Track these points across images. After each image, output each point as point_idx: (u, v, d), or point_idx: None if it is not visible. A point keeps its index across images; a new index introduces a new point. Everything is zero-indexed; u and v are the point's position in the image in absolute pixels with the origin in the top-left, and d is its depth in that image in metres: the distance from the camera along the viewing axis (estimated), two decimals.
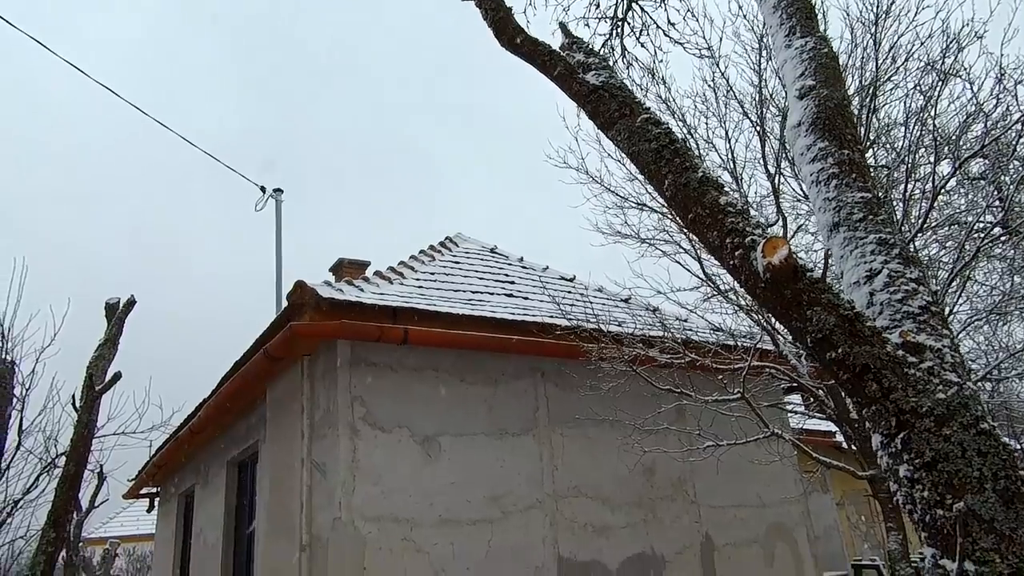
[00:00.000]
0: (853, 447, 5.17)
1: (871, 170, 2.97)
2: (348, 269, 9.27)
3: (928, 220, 5.21)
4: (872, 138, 5.54)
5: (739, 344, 5.67)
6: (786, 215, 5.91)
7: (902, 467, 1.89)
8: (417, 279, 7.32)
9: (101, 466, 8.73)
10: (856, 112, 5.28)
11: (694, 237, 6.16)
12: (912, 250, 5.27)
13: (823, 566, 8.00)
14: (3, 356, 6.29)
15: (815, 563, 7.52)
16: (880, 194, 4.90)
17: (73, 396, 6.48)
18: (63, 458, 6.40)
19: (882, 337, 1.98)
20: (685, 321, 7.39)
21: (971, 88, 5.21)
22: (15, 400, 6.29)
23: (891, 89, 5.66)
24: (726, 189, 2.29)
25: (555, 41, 3.03)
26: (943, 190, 5.37)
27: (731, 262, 2.14)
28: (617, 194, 6.52)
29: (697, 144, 6.27)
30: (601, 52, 4.89)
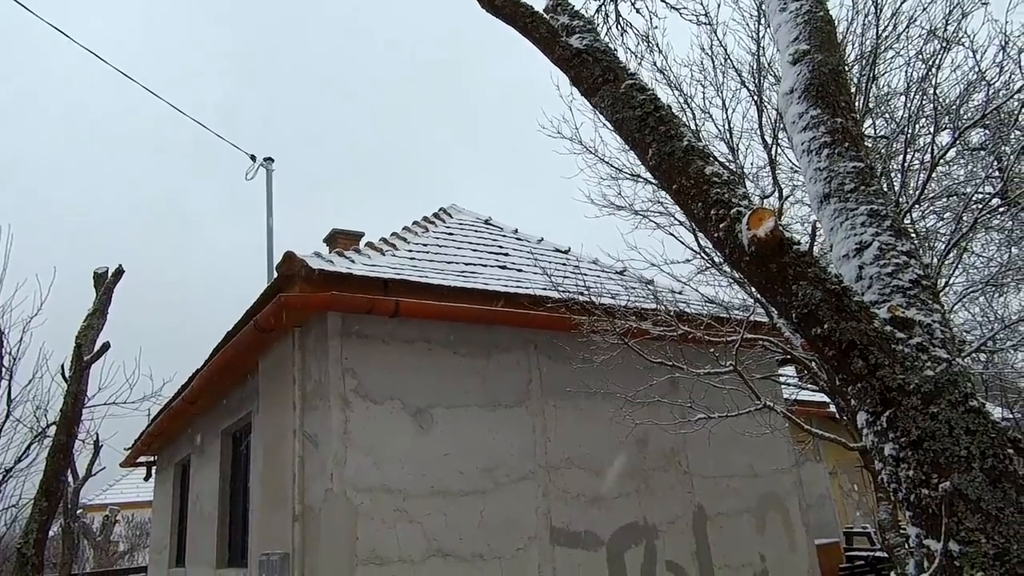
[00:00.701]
0: (845, 419, 5.17)
1: (868, 140, 2.89)
2: (342, 240, 9.19)
3: (926, 191, 5.13)
4: (871, 107, 5.43)
5: (732, 316, 5.63)
6: (782, 186, 5.83)
7: (887, 445, 1.85)
8: (410, 251, 7.26)
9: (97, 435, 8.75)
10: (856, 81, 5.16)
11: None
12: (909, 221, 5.21)
13: (815, 534, 8.09)
14: None
15: (806, 531, 7.60)
16: (878, 165, 4.83)
17: (62, 366, 6.46)
18: (53, 427, 6.40)
19: (869, 312, 1.92)
20: (679, 293, 7.35)
21: (974, 56, 5.09)
22: (3, 369, 6.26)
23: (892, 57, 5.54)
24: (712, 159, 2.21)
25: (540, 4, 2.93)
26: (942, 161, 5.28)
27: (716, 234, 2.07)
28: (612, 165, 6.41)
29: (694, 113, 6.15)
30: (594, 18, 4.76)
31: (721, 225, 2.02)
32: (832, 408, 11.19)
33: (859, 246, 2.17)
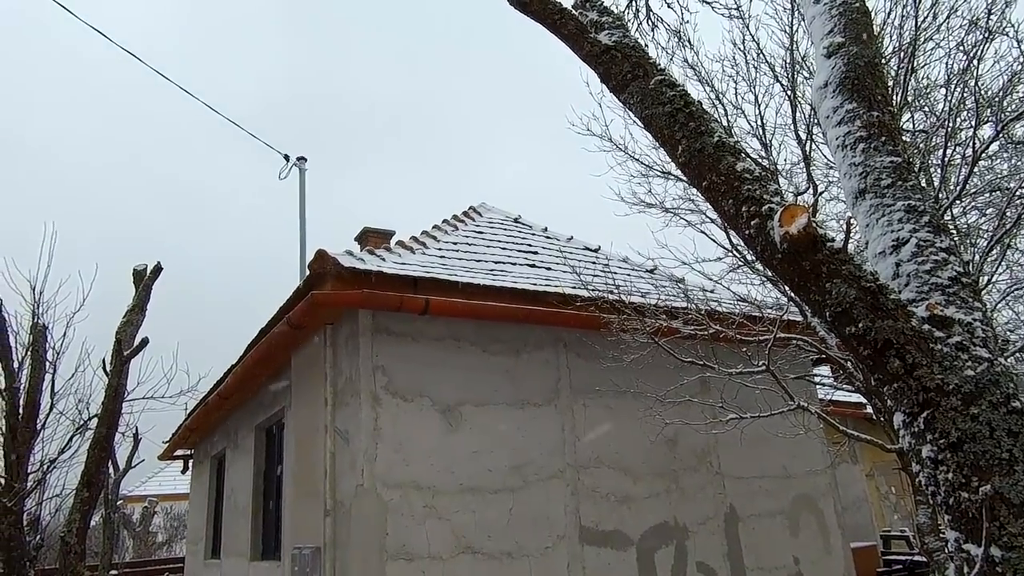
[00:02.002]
0: (883, 420, 5.05)
1: (906, 134, 2.81)
2: (372, 238, 9.29)
3: (967, 186, 4.98)
4: (910, 101, 5.29)
5: (765, 315, 5.54)
6: (817, 183, 5.71)
7: (925, 447, 1.80)
8: (439, 249, 7.29)
9: (136, 428, 8.98)
10: (893, 74, 5.03)
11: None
12: (950, 217, 5.06)
13: (850, 537, 7.93)
14: (35, 320, 6.45)
15: (842, 534, 7.46)
16: (916, 160, 4.70)
17: (103, 360, 6.64)
18: (95, 420, 6.59)
19: (906, 311, 1.87)
20: (711, 292, 7.26)
21: (1019, 46, 4.92)
22: (47, 364, 6.47)
23: (931, 49, 5.38)
24: (743, 155, 2.16)
25: (568, 0, 2.90)
26: (984, 155, 5.12)
27: (747, 231, 2.03)
28: (642, 162, 6.35)
29: (726, 109, 6.06)
30: (625, 13, 4.72)
31: (752, 222, 1.99)
32: (868, 409, 10.94)
33: (896, 243, 2.11)
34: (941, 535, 4.64)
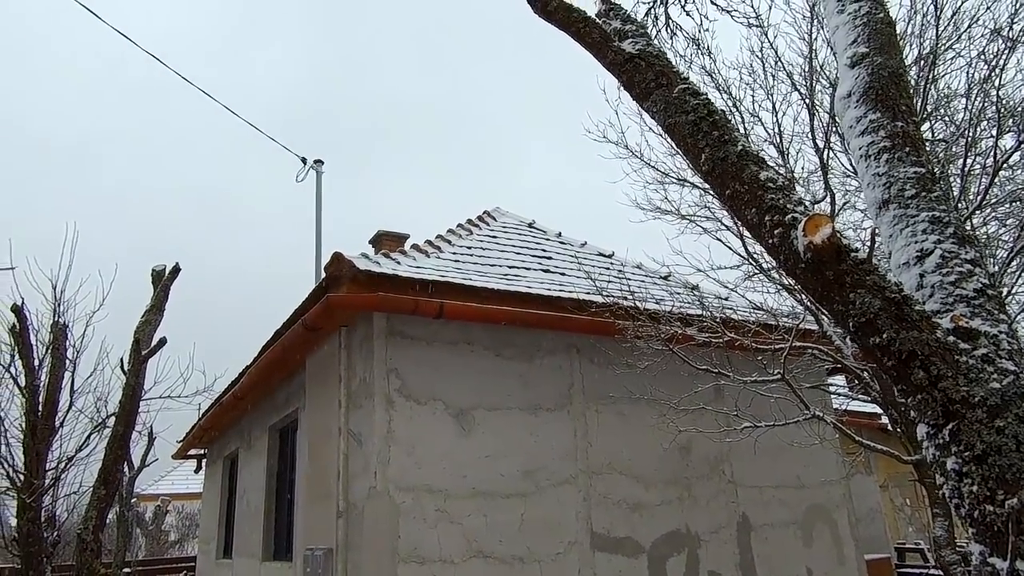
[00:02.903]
0: (899, 431, 5.00)
1: (926, 144, 2.79)
2: (387, 241, 9.32)
3: (988, 196, 4.93)
4: (930, 110, 5.25)
5: (780, 324, 5.51)
6: (834, 191, 5.68)
7: (950, 459, 1.79)
8: (454, 253, 7.32)
9: (151, 427, 9.07)
10: (914, 83, 5.00)
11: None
12: (970, 228, 5.02)
13: (865, 548, 7.85)
14: (56, 319, 6.54)
15: (856, 545, 7.39)
16: (936, 170, 4.66)
17: (121, 359, 6.72)
18: (112, 419, 6.66)
19: (931, 322, 1.86)
20: (725, 300, 7.23)
21: None
22: (67, 362, 6.55)
23: (952, 58, 5.34)
24: (766, 164, 2.16)
25: (591, 8, 2.91)
26: (1005, 165, 5.08)
27: (770, 240, 2.02)
28: (658, 169, 6.35)
29: (742, 117, 6.05)
30: (644, 20, 4.72)
31: (776, 231, 1.98)
32: (884, 420, 10.84)
33: (920, 254, 2.10)
34: (958, 548, 4.59)
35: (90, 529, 6.08)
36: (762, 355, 5.09)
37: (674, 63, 2.79)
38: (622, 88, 2.64)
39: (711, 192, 6.19)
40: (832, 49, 5.56)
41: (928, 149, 5.04)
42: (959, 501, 1.79)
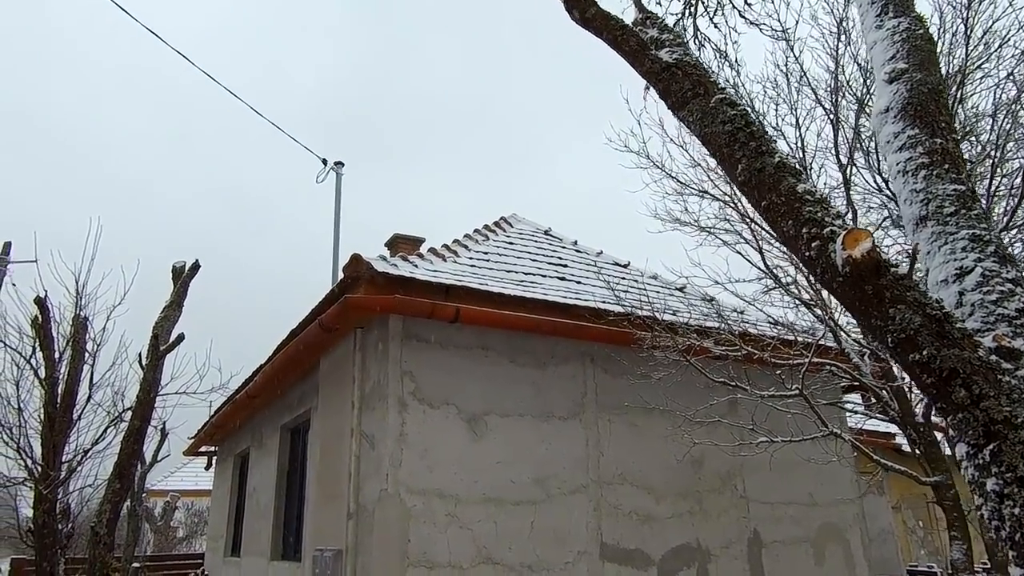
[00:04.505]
0: (917, 451, 4.94)
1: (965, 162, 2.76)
2: (403, 244, 9.36)
3: (1015, 218, 4.88)
4: (957, 130, 5.21)
5: (798, 339, 5.47)
6: (856, 207, 5.65)
7: (990, 480, 1.76)
8: (471, 258, 7.33)
9: (164, 423, 9.13)
10: None
11: (757, 227, 5.96)
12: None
13: (876, 570, 7.75)
14: (77, 312, 6.60)
15: (868, 566, 7.29)
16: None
17: (140, 354, 6.77)
18: (129, 413, 6.70)
19: (973, 340, 1.83)
20: (742, 313, 7.19)
21: None
22: (87, 355, 6.60)
23: (980, 78, 5.30)
24: (804, 176, 2.15)
25: (628, 16, 2.91)
26: None
27: (806, 253, 2.01)
28: (679, 180, 6.34)
29: (765, 131, 6.03)
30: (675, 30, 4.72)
31: (813, 244, 1.96)
32: (898, 439, 10.71)
33: (959, 271, 2.08)
34: (976, 572, 4.52)
35: (104, 523, 6.11)
36: (779, 370, 5.05)
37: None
38: (656, 96, 2.64)
39: (731, 204, 6.19)
40: (860, 64, 5.55)
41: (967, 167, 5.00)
42: (999, 523, 1.75)
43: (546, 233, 9.48)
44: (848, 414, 7.59)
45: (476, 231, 8.80)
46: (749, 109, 6.12)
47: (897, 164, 2.23)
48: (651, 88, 2.66)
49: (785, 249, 5.73)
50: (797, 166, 2.25)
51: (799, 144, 5.98)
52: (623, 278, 8.04)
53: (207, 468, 12.88)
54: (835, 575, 7.05)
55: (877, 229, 5.81)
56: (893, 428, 10.86)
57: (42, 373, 6.34)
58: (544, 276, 7.35)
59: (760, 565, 6.66)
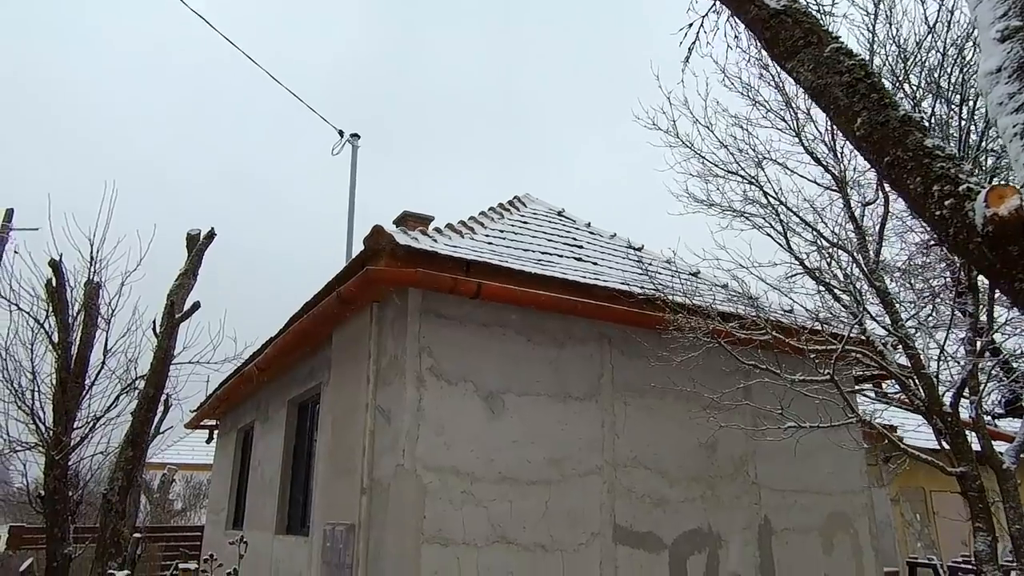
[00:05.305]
0: (944, 442, 4.89)
1: None
2: (411, 222, 9.20)
3: None
4: None
5: (825, 326, 5.40)
6: (888, 193, 5.56)
7: None
8: (487, 235, 7.23)
9: (167, 394, 9.04)
10: None
11: (785, 209, 5.87)
12: None
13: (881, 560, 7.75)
14: (91, 277, 6.47)
15: (876, 556, 7.30)
16: None
17: (154, 322, 6.65)
18: (142, 381, 6.61)
19: None
20: (758, 299, 7.11)
21: None
22: (100, 319, 6.48)
23: None
24: (931, 131, 2.05)
25: None
26: None
27: (937, 212, 1.91)
28: (708, 160, 6.23)
29: (795, 113, 5.92)
30: None
31: (946, 203, 1.86)
32: (899, 432, 10.71)
33: None
34: (1001, 565, 4.49)
35: (116, 490, 6.03)
36: (811, 355, 4.98)
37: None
38: (762, 47, 2.51)
39: (755, 183, 6.08)
40: (899, 45, 5.43)
41: None
42: None
43: (559, 214, 9.38)
44: (862, 404, 7.55)
45: (491, 209, 8.69)
46: (777, 92, 6.03)
47: (1013, 126, 2.13)
48: (755, 37, 2.54)
49: (815, 232, 5.65)
50: (923, 122, 2.14)
51: (828, 126, 5.87)
52: (638, 261, 7.95)
53: (208, 441, 12.80)
54: (843, 564, 7.05)
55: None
56: (895, 421, 10.86)
57: (55, 338, 6.22)
58: (561, 256, 7.25)
59: (770, 552, 6.65)
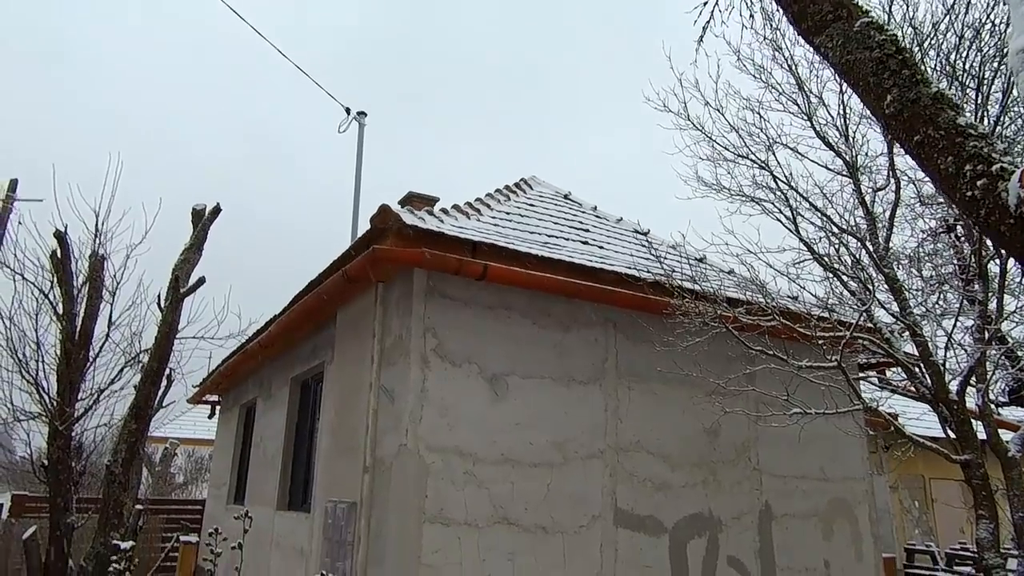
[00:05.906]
0: (949, 430, 4.88)
1: None
2: (417, 202, 9.14)
3: None
4: None
5: (832, 313, 5.37)
6: (900, 178, 5.50)
7: None
8: (493, 217, 7.18)
9: (171, 369, 9.07)
10: None
11: (795, 193, 5.81)
12: None
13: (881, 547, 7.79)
14: (95, 249, 6.44)
15: (875, 542, 7.33)
16: None
17: (159, 296, 6.65)
18: (146, 355, 6.61)
19: None
20: (767, 284, 7.08)
21: None
22: (105, 291, 6.46)
23: None
24: (963, 110, 2.00)
25: None
26: None
27: (968, 193, 1.86)
28: (718, 144, 6.16)
29: (808, 97, 5.84)
30: None
31: (978, 183, 1.82)
32: (899, 420, 10.72)
33: None
34: (1001, 552, 4.50)
35: (119, 462, 6.06)
36: (816, 343, 4.95)
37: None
38: (790, 22, 2.45)
39: (765, 167, 6.02)
40: (915, 28, 5.34)
41: None
42: None
43: (566, 197, 9.31)
44: (865, 391, 7.54)
45: (497, 191, 8.63)
46: (788, 72, 5.94)
47: None
48: (784, 11, 2.47)
49: (824, 214, 5.59)
50: (955, 99, 2.09)
51: (840, 111, 5.80)
52: (644, 245, 7.91)
53: (210, 416, 12.86)
54: (842, 550, 7.09)
55: None
56: (895, 408, 10.86)
57: (60, 309, 6.21)
58: (567, 239, 7.21)
59: (770, 537, 6.68)
